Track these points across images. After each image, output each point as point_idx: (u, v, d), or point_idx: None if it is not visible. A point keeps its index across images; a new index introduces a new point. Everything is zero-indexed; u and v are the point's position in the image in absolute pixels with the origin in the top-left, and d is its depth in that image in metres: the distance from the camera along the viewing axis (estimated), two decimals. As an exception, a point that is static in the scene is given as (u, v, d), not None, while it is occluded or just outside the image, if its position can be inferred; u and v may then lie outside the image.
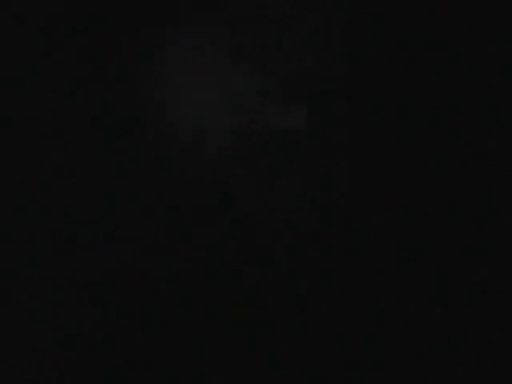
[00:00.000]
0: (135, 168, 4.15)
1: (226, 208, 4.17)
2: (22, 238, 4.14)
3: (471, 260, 4.09)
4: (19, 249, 4.14)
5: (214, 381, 4.09)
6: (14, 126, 3.96)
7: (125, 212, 4.15)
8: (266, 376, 4.09)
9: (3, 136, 4.10)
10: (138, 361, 4.10)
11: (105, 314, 4.13)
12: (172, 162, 4.19)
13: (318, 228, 4.15)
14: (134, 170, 4.16)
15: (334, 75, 4.14)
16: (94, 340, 4.11)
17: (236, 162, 4.19)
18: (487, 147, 4.12)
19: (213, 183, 4.17)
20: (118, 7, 4.05)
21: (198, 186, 4.18)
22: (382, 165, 4.15)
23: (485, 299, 4.07)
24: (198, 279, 4.16)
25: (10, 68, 4.09)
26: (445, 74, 4.15)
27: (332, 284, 4.14)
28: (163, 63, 4.20)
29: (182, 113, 4.22)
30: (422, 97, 4.15)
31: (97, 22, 4.05)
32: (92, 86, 3.96)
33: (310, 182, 4.18)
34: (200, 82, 4.20)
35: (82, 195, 4.15)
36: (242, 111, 4.17)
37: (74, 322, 4.13)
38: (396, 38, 4.15)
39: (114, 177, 4.15)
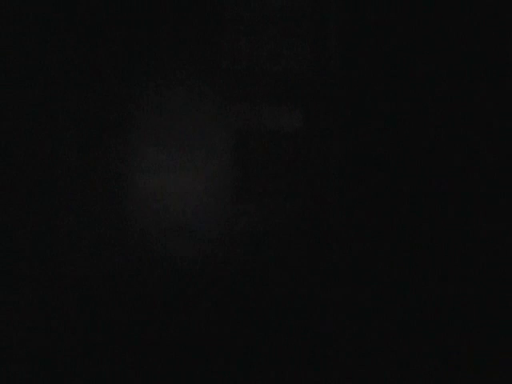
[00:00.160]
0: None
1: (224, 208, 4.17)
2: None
3: (468, 261, 4.09)
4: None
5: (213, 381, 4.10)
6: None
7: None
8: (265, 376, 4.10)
9: None
10: (138, 361, 4.11)
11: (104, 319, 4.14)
12: (171, 162, 4.19)
13: (313, 227, 4.15)
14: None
15: (330, 77, 4.14)
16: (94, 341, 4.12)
17: (233, 163, 4.19)
18: (483, 152, 4.12)
19: (210, 183, 4.18)
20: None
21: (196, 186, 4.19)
22: (377, 165, 4.15)
23: (485, 299, 4.07)
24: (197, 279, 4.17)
25: None
26: (441, 74, 4.15)
27: (328, 284, 4.14)
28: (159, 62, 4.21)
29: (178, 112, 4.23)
30: (417, 98, 4.15)
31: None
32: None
33: (305, 182, 4.18)
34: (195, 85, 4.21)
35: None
36: (238, 113, 4.17)
37: (74, 323, 4.13)
38: (391, 39, 4.16)
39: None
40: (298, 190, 4.20)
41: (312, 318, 4.15)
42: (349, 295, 4.14)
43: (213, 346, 4.13)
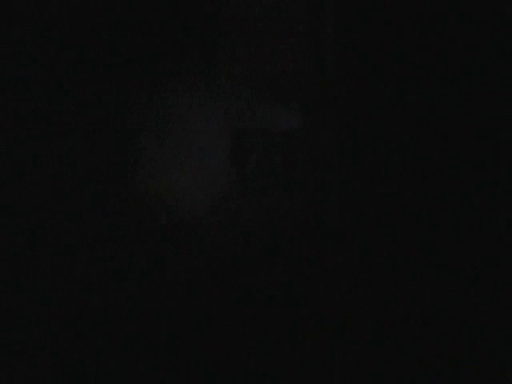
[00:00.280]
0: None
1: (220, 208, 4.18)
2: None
3: (469, 262, 4.09)
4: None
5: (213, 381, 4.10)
6: None
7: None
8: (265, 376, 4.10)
9: None
10: (138, 361, 4.11)
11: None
12: (171, 162, 4.20)
13: (311, 229, 4.15)
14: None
15: (328, 76, 4.15)
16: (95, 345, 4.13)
17: (230, 162, 4.20)
18: (482, 154, 4.11)
19: (207, 183, 4.18)
20: None
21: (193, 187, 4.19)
22: (377, 165, 4.15)
23: (485, 299, 4.07)
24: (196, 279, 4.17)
25: None
26: (441, 73, 4.15)
27: (328, 285, 4.14)
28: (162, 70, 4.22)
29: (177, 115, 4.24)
30: (415, 97, 4.15)
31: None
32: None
33: (303, 183, 4.18)
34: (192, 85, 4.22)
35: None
36: (235, 113, 4.18)
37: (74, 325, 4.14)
38: (389, 38, 4.16)
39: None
40: (298, 189, 4.20)
41: (312, 317, 4.15)
42: (349, 295, 4.14)
43: (213, 346, 4.14)
